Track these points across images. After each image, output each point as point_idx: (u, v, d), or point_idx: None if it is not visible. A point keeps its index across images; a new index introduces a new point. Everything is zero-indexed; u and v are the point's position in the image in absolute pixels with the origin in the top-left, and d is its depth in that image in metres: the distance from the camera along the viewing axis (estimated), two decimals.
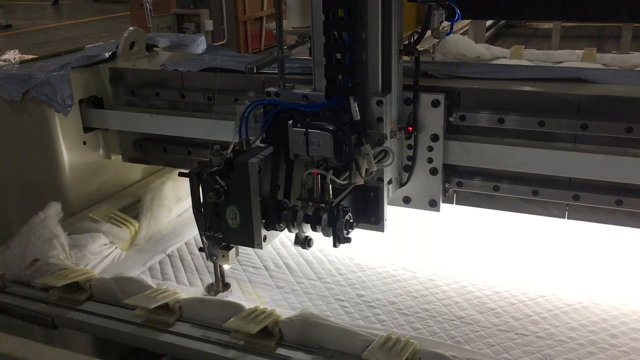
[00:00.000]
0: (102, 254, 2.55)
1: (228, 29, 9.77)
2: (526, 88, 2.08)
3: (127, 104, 2.75)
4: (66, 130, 2.68)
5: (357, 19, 1.79)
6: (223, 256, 2.02)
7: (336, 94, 1.87)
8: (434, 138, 2.08)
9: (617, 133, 1.96)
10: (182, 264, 2.58)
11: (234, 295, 2.31)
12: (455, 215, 2.56)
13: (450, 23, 2.29)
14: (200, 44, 3.21)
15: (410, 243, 2.62)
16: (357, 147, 1.84)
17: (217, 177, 1.86)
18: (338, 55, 1.84)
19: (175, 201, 2.90)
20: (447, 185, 2.20)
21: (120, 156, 2.88)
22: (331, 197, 1.84)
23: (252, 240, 1.91)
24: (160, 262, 2.60)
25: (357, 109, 1.84)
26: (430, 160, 2.12)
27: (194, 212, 1.99)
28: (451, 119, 2.09)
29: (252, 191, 1.84)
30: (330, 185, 1.82)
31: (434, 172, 2.13)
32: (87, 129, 2.76)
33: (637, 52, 5.51)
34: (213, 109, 2.48)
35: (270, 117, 1.92)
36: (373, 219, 2.08)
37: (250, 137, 1.95)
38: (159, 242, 2.73)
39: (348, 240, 1.89)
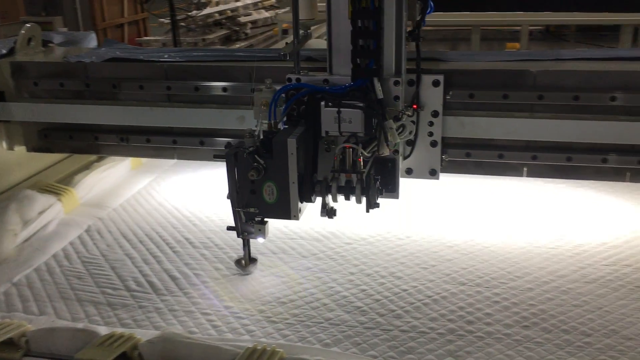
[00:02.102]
0: None
1: None
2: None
3: (30, 96, 2.88)
4: None
5: (380, 9, 2.02)
6: (260, 230, 2.22)
7: (363, 76, 2.09)
8: (435, 114, 2.34)
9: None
10: (32, 292, 2.36)
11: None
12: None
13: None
14: (92, 40, 3.57)
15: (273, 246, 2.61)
16: (381, 122, 2.08)
17: (255, 156, 2.03)
18: (360, 42, 2.07)
19: (21, 225, 2.66)
20: (443, 157, 2.45)
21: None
22: (362, 167, 2.08)
23: (289, 213, 2.12)
24: (4, 293, 2.36)
25: (380, 88, 2.07)
26: (430, 134, 2.37)
27: (229, 192, 2.14)
28: (448, 97, 2.34)
29: (291, 167, 2.04)
30: (361, 158, 2.07)
31: (434, 144, 2.39)
32: None
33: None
34: (117, 97, 2.78)
35: (293, 101, 2.14)
36: (390, 187, 2.29)
37: (263, 122, 2.15)
38: (3, 270, 2.48)
39: (377, 205, 2.12)
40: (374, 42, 2.06)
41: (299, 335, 2.09)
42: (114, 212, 3.03)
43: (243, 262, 2.44)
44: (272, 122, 2.12)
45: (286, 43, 2.28)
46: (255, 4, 8.72)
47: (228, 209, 2.92)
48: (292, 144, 2.01)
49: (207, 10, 7.90)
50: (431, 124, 2.35)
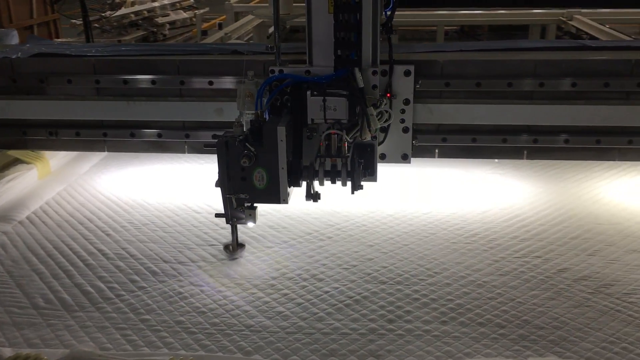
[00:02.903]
0: None
1: None
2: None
3: None
4: None
5: (360, 4, 2.18)
6: (250, 215, 2.32)
7: (345, 66, 2.23)
8: (406, 102, 2.48)
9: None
10: None
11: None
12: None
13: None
14: (14, 38, 3.68)
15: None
16: (364, 109, 2.23)
17: (246, 143, 2.13)
18: (341, 35, 2.22)
19: None
20: (414, 142, 2.59)
21: None
22: (347, 152, 2.24)
23: (278, 198, 2.23)
24: None
25: (361, 78, 2.20)
26: (402, 121, 2.51)
27: (220, 179, 2.24)
28: (417, 86, 2.50)
29: (280, 153, 2.15)
30: (346, 143, 2.23)
31: (405, 130, 2.52)
32: None
33: None
34: (45, 92, 2.84)
35: (278, 90, 2.25)
36: (369, 171, 2.42)
37: (248, 112, 2.26)
38: None
39: (361, 187, 2.28)
40: (355, 34, 2.22)
41: (219, 344, 2.04)
42: (20, 225, 2.86)
43: (231, 247, 2.57)
44: (259, 111, 2.22)
45: (267, 37, 2.48)
46: (173, 5, 8.50)
47: (144, 216, 2.83)
48: (281, 131, 2.14)
49: (122, 11, 7.63)
50: (403, 111, 2.50)
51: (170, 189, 3.24)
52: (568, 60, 2.61)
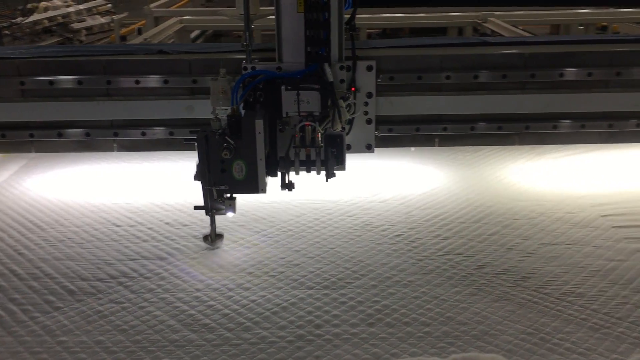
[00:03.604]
0: None
1: None
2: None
3: None
4: None
5: (328, 3, 2.33)
6: (230, 205, 2.45)
7: (315, 62, 2.38)
8: (369, 95, 2.64)
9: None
10: None
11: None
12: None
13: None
14: None
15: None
16: (335, 101, 2.38)
17: (225, 137, 2.26)
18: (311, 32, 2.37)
19: None
20: (376, 133, 2.73)
21: None
22: (320, 142, 2.37)
23: (257, 187, 2.37)
24: None
25: (331, 72, 2.36)
26: (366, 113, 2.66)
27: (200, 172, 2.35)
28: (379, 80, 2.65)
29: (258, 145, 2.29)
30: (319, 134, 2.37)
31: (369, 122, 2.68)
32: None
33: None
34: None
35: (252, 86, 2.40)
36: (339, 160, 2.49)
37: (225, 108, 2.34)
38: None
39: (334, 175, 2.42)
40: (325, 32, 2.36)
41: None
42: None
43: (210, 238, 2.61)
44: (235, 106, 2.32)
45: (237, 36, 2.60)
46: (89, 10, 8.21)
47: (60, 232, 2.70)
48: (259, 124, 2.27)
49: (35, 17, 7.29)
50: (366, 104, 2.65)
51: (87, 197, 3.11)
52: (471, 55, 2.85)
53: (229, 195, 2.44)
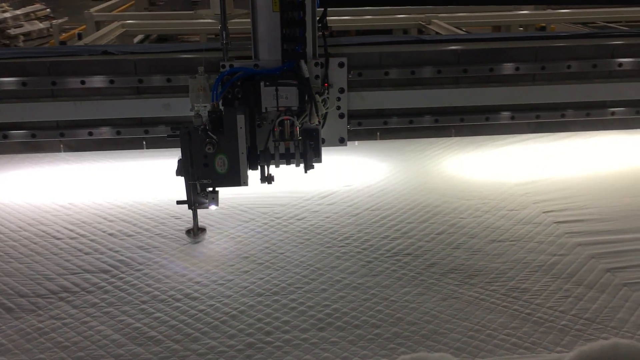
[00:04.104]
0: None
1: None
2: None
3: None
4: None
5: (303, 2, 2.43)
6: (213, 198, 2.52)
7: (292, 59, 2.49)
8: (341, 90, 2.71)
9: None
10: None
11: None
12: None
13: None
14: None
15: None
16: (313, 96, 2.47)
17: (208, 132, 2.33)
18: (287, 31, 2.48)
19: None
20: (348, 127, 2.82)
21: None
22: (298, 135, 2.46)
23: (239, 180, 2.45)
24: None
25: (307, 69, 2.45)
26: (338, 108, 2.73)
27: (183, 167, 2.42)
28: (349, 76, 2.75)
29: (240, 139, 2.38)
30: (298, 128, 2.45)
31: (342, 116, 2.75)
32: None
33: None
34: None
35: (231, 83, 2.45)
36: (316, 152, 2.64)
37: (205, 105, 2.44)
38: None
39: (313, 166, 2.57)
40: (301, 30, 2.46)
41: None
42: None
43: (192, 232, 2.71)
44: (216, 102, 2.38)
45: (215, 35, 2.67)
46: (27, 15, 7.93)
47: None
48: (241, 119, 2.36)
49: None
50: (339, 99, 2.73)
51: (26, 208, 2.99)
52: (407, 52, 2.99)
53: (211, 189, 2.53)
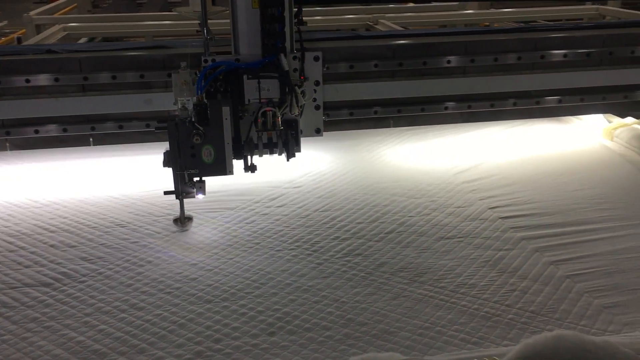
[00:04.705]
0: None
1: None
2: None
3: None
4: None
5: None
6: (200, 187, 2.61)
7: (272, 53, 2.56)
8: (317, 83, 2.80)
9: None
10: None
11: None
12: None
13: None
14: None
15: None
16: (293, 88, 2.57)
17: (195, 124, 2.43)
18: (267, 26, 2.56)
19: None
20: (324, 117, 2.91)
21: None
22: (280, 126, 2.58)
23: (225, 170, 2.54)
24: None
25: (286, 62, 2.55)
26: (314, 100, 2.82)
27: (171, 158, 2.51)
28: (324, 69, 2.84)
29: (226, 130, 2.48)
30: (279, 118, 2.57)
31: (317, 108, 2.85)
32: None
33: None
34: None
35: (214, 76, 2.54)
36: (297, 141, 2.74)
37: (188, 98, 2.50)
38: None
39: (294, 155, 2.72)
40: (280, 25, 2.54)
41: None
42: None
43: (179, 221, 2.81)
44: (200, 95, 2.45)
45: (197, 31, 2.81)
46: None
47: None
48: (226, 111, 2.46)
49: None
50: (315, 91, 2.81)
51: None
52: (346, 47, 3.07)
53: (198, 178, 2.61)
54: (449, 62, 3.16)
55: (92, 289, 2.36)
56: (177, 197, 2.65)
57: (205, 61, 2.61)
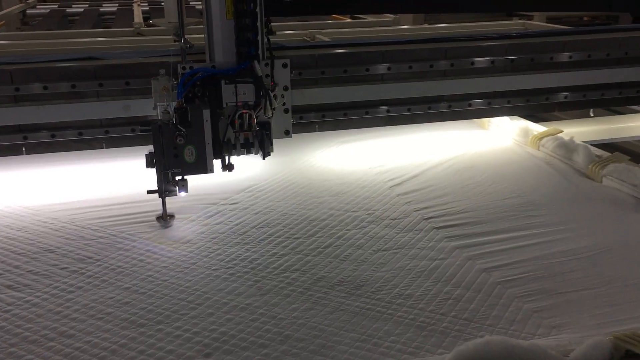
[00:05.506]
0: None
1: None
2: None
3: None
4: None
5: (255, 10, 2.75)
6: (183, 185, 2.81)
7: (246, 60, 2.80)
8: (285, 88, 3.02)
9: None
10: None
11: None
12: None
13: None
14: None
15: None
16: (267, 92, 2.83)
17: (178, 125, 2.65)
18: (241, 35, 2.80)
19: None
20: (292, 120, 3.15)
21: None
22: (256, 127, 2.85)
23: (206, 168, 2.77)
24: None
25: (260, 68, 2.80)
26: (284, 104, 3.04)
27: (155, 158, 2.71)
28: (292, 75, 3.06)
29: (206, 132, 2.71)
30: (255, 119, 2.84)
31: (286, 111, 3.07)
32: None
33: None
34: None
35: (193, 82, 2.76)
36: (270, 141, 2.98)
37: (169, 103, 2.72)
38: None
39: (269, 154, 2.95)
40: (253, 34, 2.77)
41: None
42: None
43: (162, 219, 2.98)
44: (180, 100, 2.68)
45: (174, 40, 2.87)
46: None
47: None
48: (206, 113, 2.70)
49: None
50: (283, 96, 3.02)
51: None
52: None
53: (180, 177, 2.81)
54: (367, 70, 3.41)
55: (18, 318, 2.25)
56: (159, 196, 2.86)
57: (184, 68, 2.82)
